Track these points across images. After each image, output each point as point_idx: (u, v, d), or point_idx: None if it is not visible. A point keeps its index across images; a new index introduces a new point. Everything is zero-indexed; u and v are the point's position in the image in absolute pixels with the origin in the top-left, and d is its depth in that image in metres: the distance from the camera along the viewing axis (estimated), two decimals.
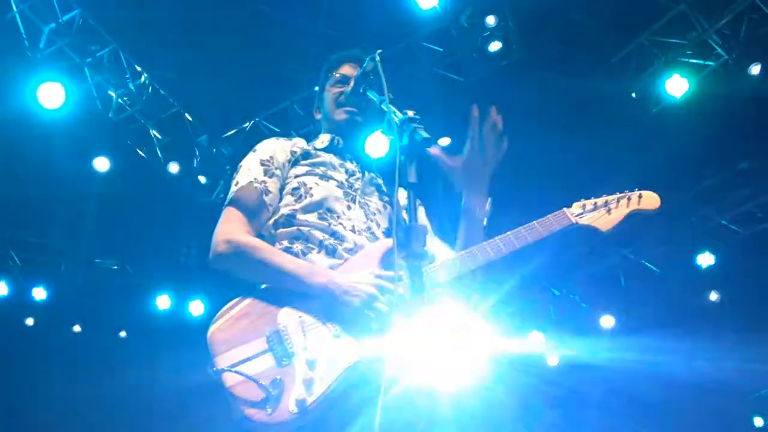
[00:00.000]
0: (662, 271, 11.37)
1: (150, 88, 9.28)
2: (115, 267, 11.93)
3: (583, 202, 3.21)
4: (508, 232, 3.04)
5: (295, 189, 3.15)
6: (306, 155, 3.28)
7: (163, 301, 11.78)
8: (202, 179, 9.71)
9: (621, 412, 12.11)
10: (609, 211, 3.18)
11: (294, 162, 3.26)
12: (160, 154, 9.74)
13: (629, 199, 3.20)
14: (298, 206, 3.10)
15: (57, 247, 11.82)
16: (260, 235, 3.12)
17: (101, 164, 9.83)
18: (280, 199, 3.17)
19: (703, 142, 9.56)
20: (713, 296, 10.84)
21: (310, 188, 3.13)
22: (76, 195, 10.63)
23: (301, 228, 3.05)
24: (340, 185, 3.19)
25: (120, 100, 9.20)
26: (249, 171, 3.18)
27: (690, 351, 11.08)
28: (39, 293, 11.52)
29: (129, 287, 12.16)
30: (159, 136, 9.71)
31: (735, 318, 10.86)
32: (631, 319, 11.63)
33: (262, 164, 3.19)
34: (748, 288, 10.81)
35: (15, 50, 8.30)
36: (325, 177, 3.19)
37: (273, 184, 3.15)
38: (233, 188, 3.17)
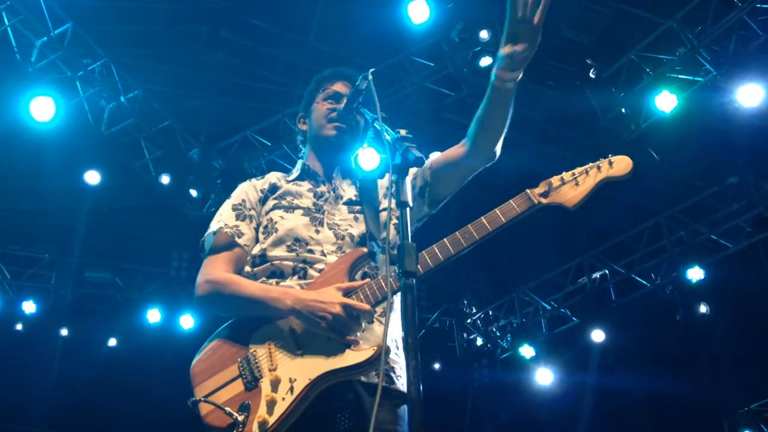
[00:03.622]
0: (652, 285, 11.39)
1: (141, 101, 9.29)
2: (106, 281, 11.87)
3: (550, 179, 3.04)
4: (468, 225, 2.93)
5: (265, 227, 3.19)
6: (273, 189, 3.31)
7: (154, 315, 11.73)
8: (194, 192, 9.69)
9: (612, 429, 12.10)
10: (577, 184, 3.00)
11: (264, 200, 3.29)
12: (151, 168, 9.74)
13: (599, 168, 3.02)
14: (267, 243, 3.13)
15: (47, 260, 11.78)
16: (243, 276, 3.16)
17: (92, 177, 9.81)
18: (257, 239, 3.22)
19: (692, 157, 9.62)
20: (702, 309, 10.85)
21: (276, 223, 3.15)
22: (67, 208, 10.62)
23: (273, 263, 3.08)
24: (306, 212, 3.19)
25: (111, 114, 9.20)
26: (221, 217, 3.24)
27: (680, 365, 11.09)
28: (29, 307, 11.47)
29: (119, 301, 12.13)
30: (150, 150, 9.71)
31: (724, 331, 10.87)
32: (621, 334, 11.64)
33: (234, 209, 3.25)
34: (737, 301, 10.83)
35: (6, 64, 8.32)
36: (290, 208, 3.20)
37: (246, 226, 3.20)
38: (208, 237, 3.23)
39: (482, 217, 2.94)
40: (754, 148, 9.39)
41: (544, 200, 2.98)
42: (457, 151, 3.20)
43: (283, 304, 2.85)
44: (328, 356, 2.76)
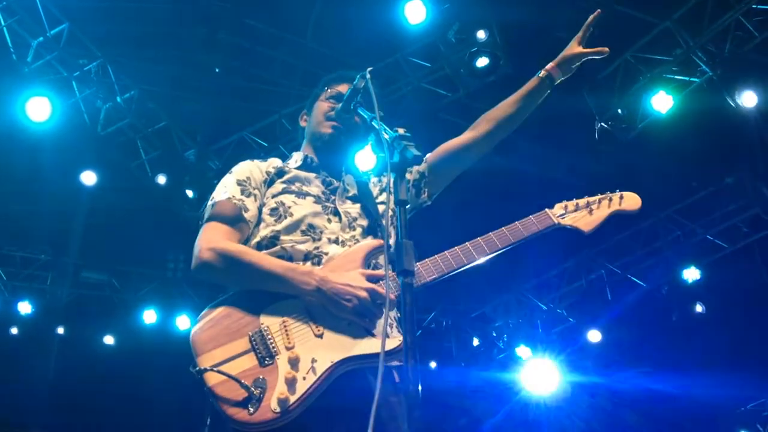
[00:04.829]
0: (648, 285, 11.41)
1: (138, 101, 9.28)
2: (102, 282, 11.85)
3: (565, 203, 3.32)
4: (490, 233, 3.11)
5: (273, 209, 3.13)
6: (280, 173, 3.28)
7: (150, 316, 11.71)
8: (190, 193, 9.67)
9: (607, 429, 12.11)
10: (591, 212, 3.31)
11: (270, 182, 3.25)
12: (147, 168, 9.72)
13: (610, 200, 3.35)
14: (279, 227, 3.07)
15: (43, 261, 11.75)
16: None
17: (88, 178, 9.79)
18: (260, 219, 3.16)
19: (688, 157, 9.64)
20: (698, 309, 10.88)
21: (289, 207, 3.11)
22: (63, 209, 10.59)
23: (284, 246, 3.03)
24: (318, 200, 3.18)
25: (107, 114, 9.18)
26: (226, 189, 3.16)
27: (676, 365, 11.11)
28: (25, 307, 11.44)
29: (116, 302, 12.10)
30: (147, 150, 9.69)
31: (720, 332, 10.89)
32: (617, 334, 11.66)
33: (239, 184, 3.17)
34: (733, 302, 10.85)
35: (2, 64, 8.29)
36: (301, 194, 3.18)
37: (251, 203, 3.13)
38: (209, 206, 3.15)
39: (504, 228, 3.15)
40: (750, 148, 9.40)
41: (562, 221, 3.25)
42: (462, 139, 3.49)
43: (307, 284, 2.82)
44: (352, 341, 2.76)
